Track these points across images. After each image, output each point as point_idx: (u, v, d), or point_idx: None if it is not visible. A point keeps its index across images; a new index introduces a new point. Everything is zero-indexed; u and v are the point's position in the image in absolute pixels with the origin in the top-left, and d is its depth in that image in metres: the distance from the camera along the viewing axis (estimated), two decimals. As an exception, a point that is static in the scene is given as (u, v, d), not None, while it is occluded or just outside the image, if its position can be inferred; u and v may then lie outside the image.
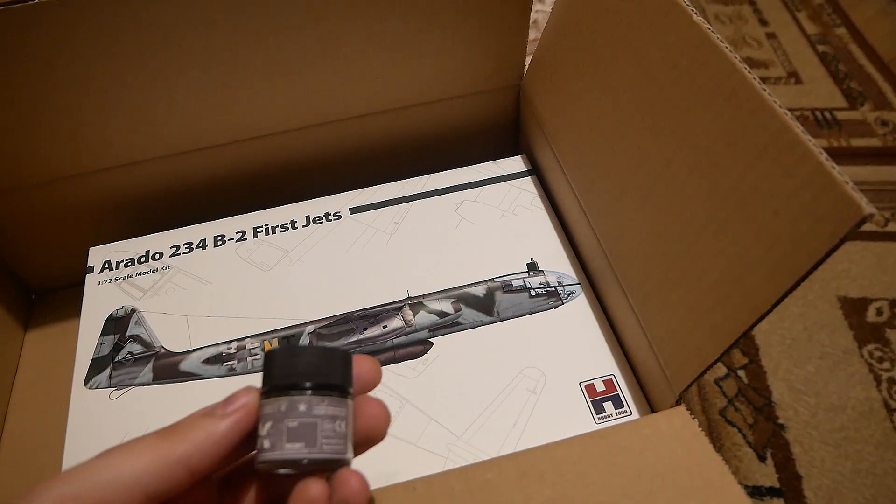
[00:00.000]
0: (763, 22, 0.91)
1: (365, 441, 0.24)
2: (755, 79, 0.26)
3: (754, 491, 0.48)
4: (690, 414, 0.31)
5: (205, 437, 0.21)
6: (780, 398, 0.52)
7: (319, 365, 0.22)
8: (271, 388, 0.22)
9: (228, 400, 0.23)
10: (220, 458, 0.22)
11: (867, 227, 0.63)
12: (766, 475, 0.48)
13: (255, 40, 0.40)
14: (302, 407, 0.21)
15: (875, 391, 0.52)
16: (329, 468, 0.21)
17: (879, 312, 0.57)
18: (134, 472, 0.20)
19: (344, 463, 0.22)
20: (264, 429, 0.22)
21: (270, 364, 0.22)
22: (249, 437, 0.23)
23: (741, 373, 0.54)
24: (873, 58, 0.84)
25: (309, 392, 0.22)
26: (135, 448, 0.21)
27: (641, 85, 0.34)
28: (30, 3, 0.34)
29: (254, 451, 0.23)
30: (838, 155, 0.72)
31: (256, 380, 0.23)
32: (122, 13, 0.36)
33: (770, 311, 0.26)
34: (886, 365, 0.54)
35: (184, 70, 0.40)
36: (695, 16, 0.30)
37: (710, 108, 0.29)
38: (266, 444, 0.21)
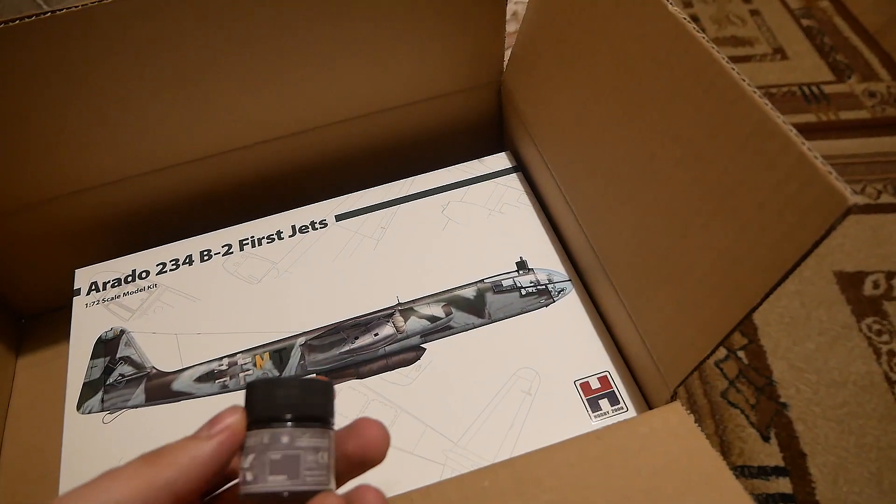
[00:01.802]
0: (746, -1, 0.91)
1: (362, 463, 0.24)
2: (733, 68, 0.26)
3: (759, 471, 0.48)
4: (686, 409, 0.31)
5: (189, 461, 0.21)
6: (780, 377, 0.52)
7: (301, 396, 0.22)
8: (253, 420, 0.22)
9: (212, 421, 0.22)
10: (206, 480, 0.22)
11: (860, 199, 0.63)
12: (771, 455, 0.48)
13: (230, 51, 0.40)
14: (285, 439, 0.21)
15: (875, 365, 0.52)
16: (309, 499, 0.21)
17: (876, 285, 0.57)
18: (119, 500, 0.20)
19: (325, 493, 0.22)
20: (247, 461, 0.22)
21: (252, 396, 0.22)
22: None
23: (741, 353, 0.54)
24: (858, 29, 0.84)
25: (290, 424, 0.22)
26: (120, 475, 0.21)
27: (621, 78, 0.34)
28: (2, 27, 0.34)
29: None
30: (827, 129, 0.71)
31: None
32: (92, 31, 0.36)
33: (760, 304, 0.25)
34: (885, 338, 0.54)
35: (159, 86, 0.40)
36: (670, 6, 0.29)
37: (690, 100, 0.28)
38: (249, 476, 0.21)
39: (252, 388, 0.23)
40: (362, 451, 0.23)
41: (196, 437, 0.22)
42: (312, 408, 0.22)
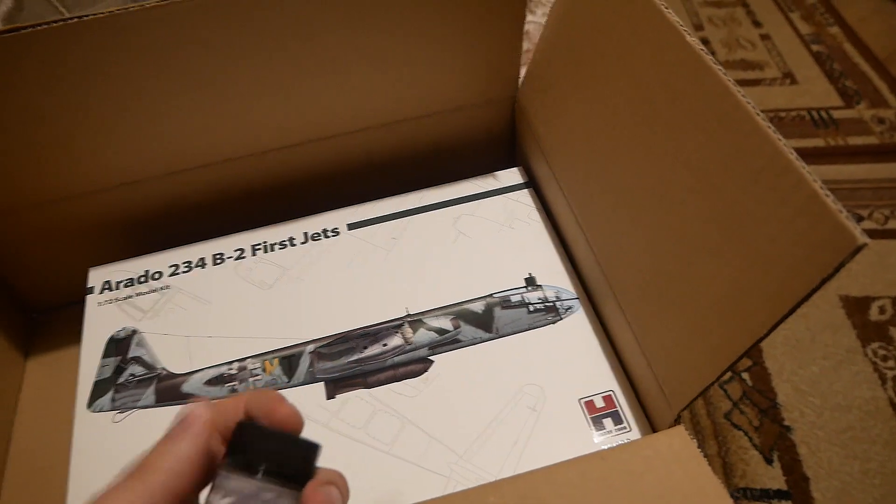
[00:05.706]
0: (757, 23, 0.91)
1: None
2: (748, 102, 0.26)
3: (762, 494, 0.48)
4: (689, 430, 0.31)
5: (175, 461, 0.22)
6: (785, 400, 0.52)
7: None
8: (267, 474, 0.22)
9: (184, 421, 0.23)
10: (198, 475, 0.22)
11: (867, 224, 0.63)
12: (774, 478, 0.48)
13: (248, 58, 0.40)
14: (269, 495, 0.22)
15: (880, 390, 0.52)
16: None
17: (882, 311, 0.57)
18: None
19: None
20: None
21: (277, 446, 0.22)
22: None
23: (745, 375, 0.54)
24: (868, 56, 0.84)
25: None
26: (118, 497, 0.21)
27: (636, 103, 0.34)
28: (25, 31, 0.34)
29: None
30: (836, 154, 0.72)
31: None
32: (116, 37, 0.36)
33: (767, 335, 0.26)
34: (891, 363, 0.54)
35: (179, 89, 0.40)
36: (687, 36, 0.30)
37: (704, 130, 0.29)
38: None
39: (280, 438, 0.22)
40: None
41: (171, 437, 0.22)
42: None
